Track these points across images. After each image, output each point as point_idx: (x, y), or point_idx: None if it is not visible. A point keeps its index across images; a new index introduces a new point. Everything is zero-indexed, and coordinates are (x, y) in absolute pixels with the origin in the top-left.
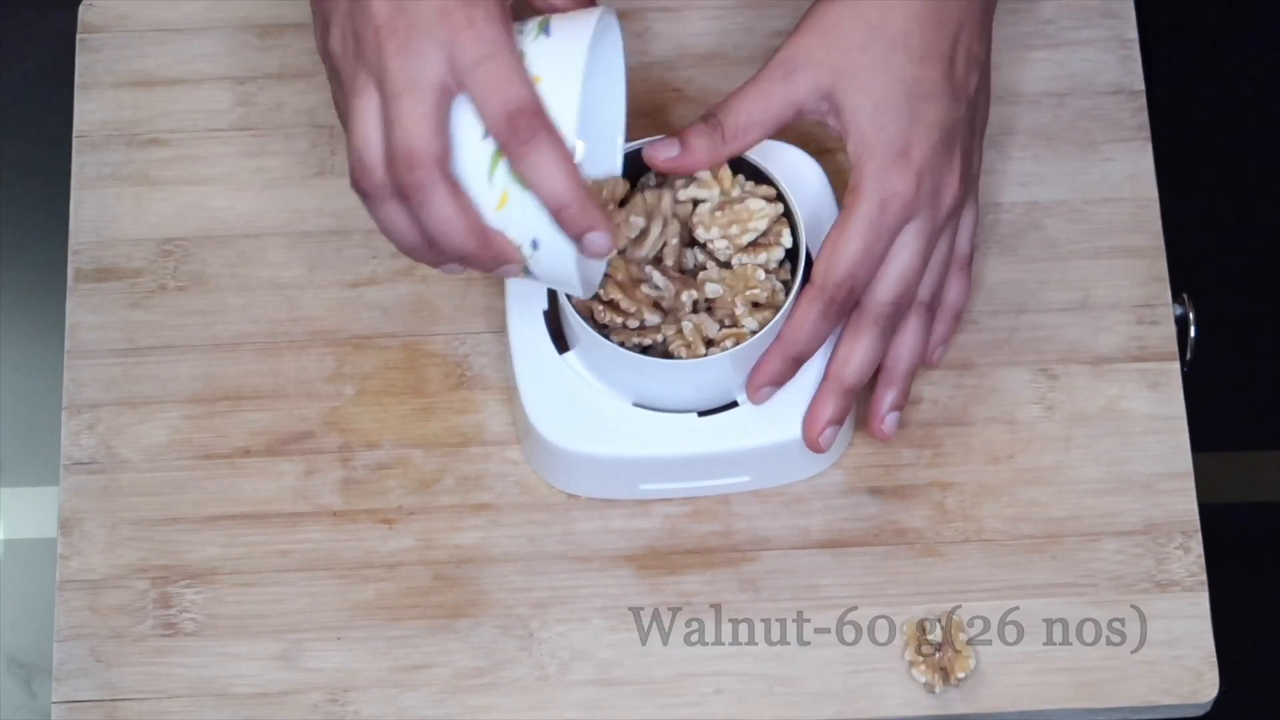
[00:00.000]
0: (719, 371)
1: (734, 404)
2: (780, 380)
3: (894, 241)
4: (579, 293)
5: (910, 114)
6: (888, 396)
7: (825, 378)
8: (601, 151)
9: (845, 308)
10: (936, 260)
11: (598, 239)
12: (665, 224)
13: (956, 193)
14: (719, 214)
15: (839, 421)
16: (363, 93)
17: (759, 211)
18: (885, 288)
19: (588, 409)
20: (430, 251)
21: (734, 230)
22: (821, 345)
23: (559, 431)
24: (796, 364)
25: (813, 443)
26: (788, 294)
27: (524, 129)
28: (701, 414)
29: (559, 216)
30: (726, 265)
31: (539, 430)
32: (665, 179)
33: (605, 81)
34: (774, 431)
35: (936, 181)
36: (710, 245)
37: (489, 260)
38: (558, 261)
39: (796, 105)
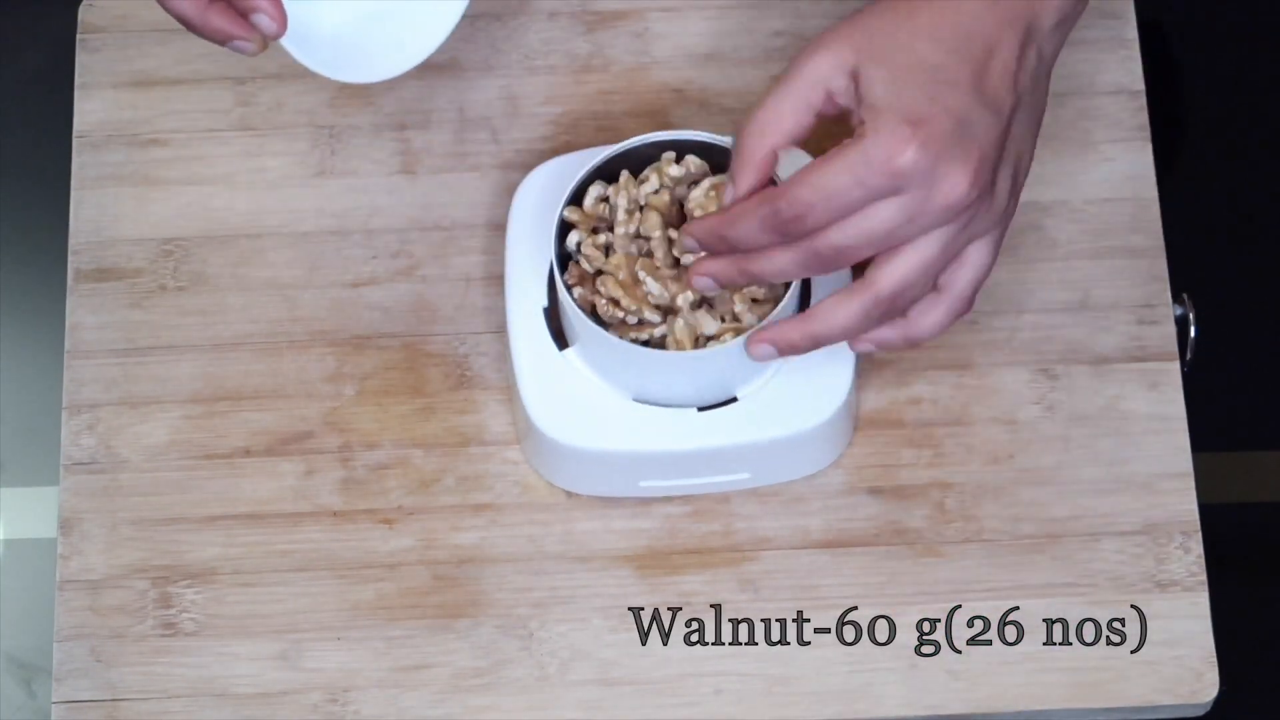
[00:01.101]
0: (718, 365)
1: (734, 399)
2: (703, 248)
3: (871, 202)
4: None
5: (929, 94)
6: (770, 263)
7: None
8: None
9: (789, 230)
10: (918, 258)
11: (262, 20)
12: (639, 207)
13: (961, 191)
14: (713, 194)
15: (717, 276)
16: None
17: None
18: (839, 233)
19: (588, 405)
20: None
21: None
22: (748, 246)
23: (559, 428)
24: (721, 247)
25: (752, 349)
26: (787, 289)
27: None
28: (701, 409)
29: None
30: None
31: (539, 427)
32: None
33: None
34: (774, 427)
35: (936, 164)
36: None
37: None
38: None
39: (822, 83)
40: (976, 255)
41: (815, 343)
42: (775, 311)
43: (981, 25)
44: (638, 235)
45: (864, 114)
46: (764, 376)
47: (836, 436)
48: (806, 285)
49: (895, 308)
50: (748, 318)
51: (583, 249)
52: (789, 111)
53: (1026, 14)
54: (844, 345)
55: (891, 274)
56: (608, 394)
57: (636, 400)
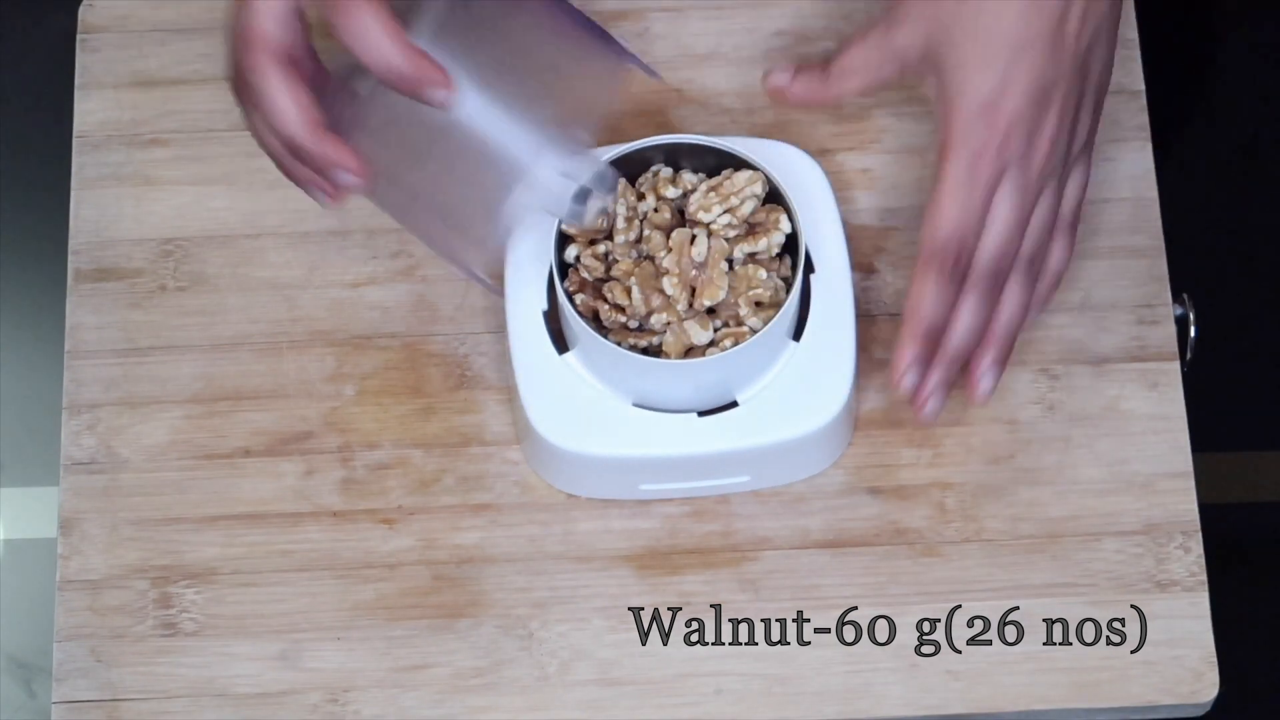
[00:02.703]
0: (718, 372)
1: (734, 404)
2: (922, 359)
3: (992, 197)
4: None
5: (1005, 67)
6: (986, 357)
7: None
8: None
9: (959, 268)
10: (1038, 218)
11: (437, 93)
12: (639, 217)
13: (1048, 152)
14: (712, 194)
15: (944, 390)
16: None
17: (747, 181)
18: (985, 249)
19: (587, 409)
20: (288, 156)
21: (733, 201)
22: (949, 311)
23: (559, 432)
24: (930, 338)
25: (919, 413)
26: (789, 291)
27: (247, 66)
28: (701, 414)
29: (391, 82)
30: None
31: (539, 431)
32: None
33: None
34: (775, 431)
35: (1027, 136)
36: (713, 226)
37: (319, 157)
38: None
39: (898, 58)
40: (1075, 180)
41: (927, 336)
42: (778, 316)
43: None
44: (638, 241)
45: (943, 100)
46: (764, 381)
47: (837, 439)
48: (806, 293)
49: (961, 256)
50: (751, 321)
51: (581, 260)
52: (859, 74)
53: None
54: (848, 346)
55: (933, 229)
56: (608, 398)
57: (637, 405)
